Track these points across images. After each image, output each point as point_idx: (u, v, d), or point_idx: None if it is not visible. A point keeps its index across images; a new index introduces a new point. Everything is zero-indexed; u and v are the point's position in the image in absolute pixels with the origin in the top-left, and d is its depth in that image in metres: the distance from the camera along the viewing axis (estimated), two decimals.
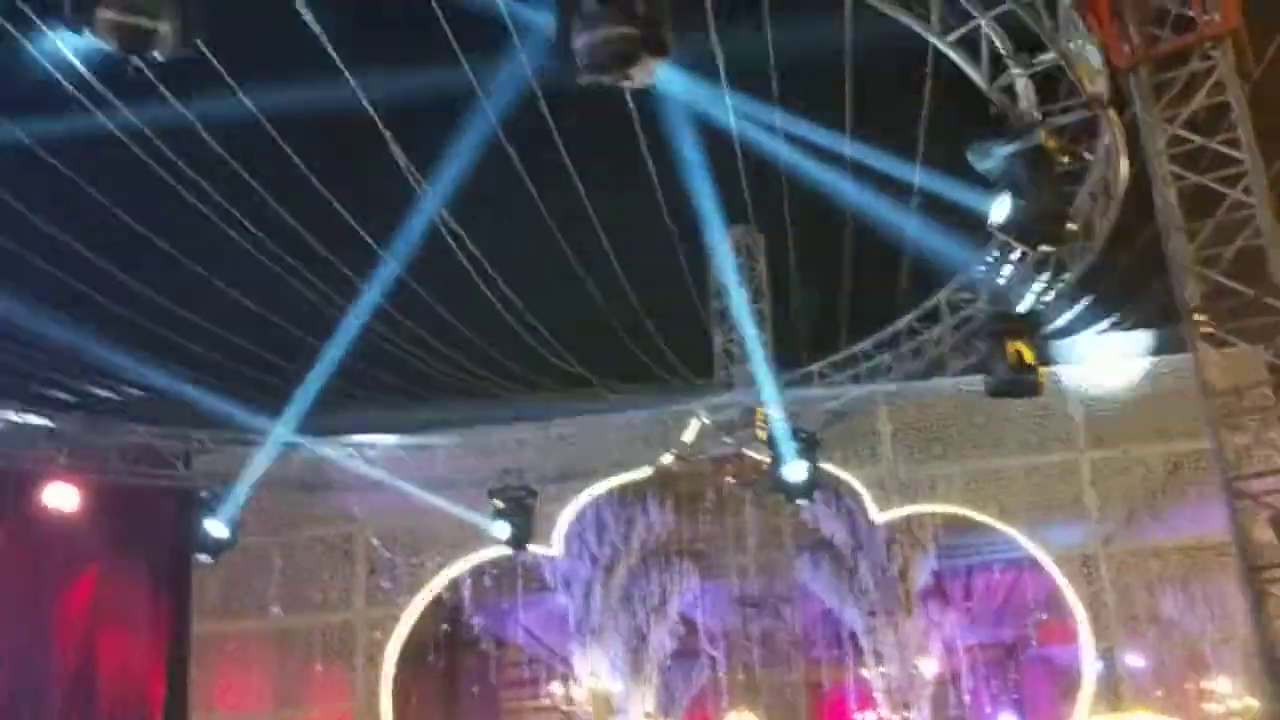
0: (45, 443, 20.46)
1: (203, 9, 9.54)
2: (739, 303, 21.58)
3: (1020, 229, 12.34)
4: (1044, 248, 14.05)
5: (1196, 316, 14.14)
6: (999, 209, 12.37)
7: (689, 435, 24.45)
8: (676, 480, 26.96)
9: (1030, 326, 16.29)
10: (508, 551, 25.94)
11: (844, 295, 20.45)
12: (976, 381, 21.92)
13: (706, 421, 23.81)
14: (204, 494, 21.75)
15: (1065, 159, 12.71)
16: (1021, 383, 16.03)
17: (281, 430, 21.52)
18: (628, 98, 14.62)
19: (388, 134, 14.98)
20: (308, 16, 12.54)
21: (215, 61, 12.93)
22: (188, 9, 9.38)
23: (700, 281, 22.58)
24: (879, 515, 25.98)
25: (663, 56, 9.56)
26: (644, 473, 25.41)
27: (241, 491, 21.98)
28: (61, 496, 21.59)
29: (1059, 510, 25.31)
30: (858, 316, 20.83)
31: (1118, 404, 25.40)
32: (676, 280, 21.08)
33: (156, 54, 9.35)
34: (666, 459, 24.78)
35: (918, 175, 16.62)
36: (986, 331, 16.17)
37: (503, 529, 22.98)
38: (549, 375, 23.70)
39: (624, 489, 27.17)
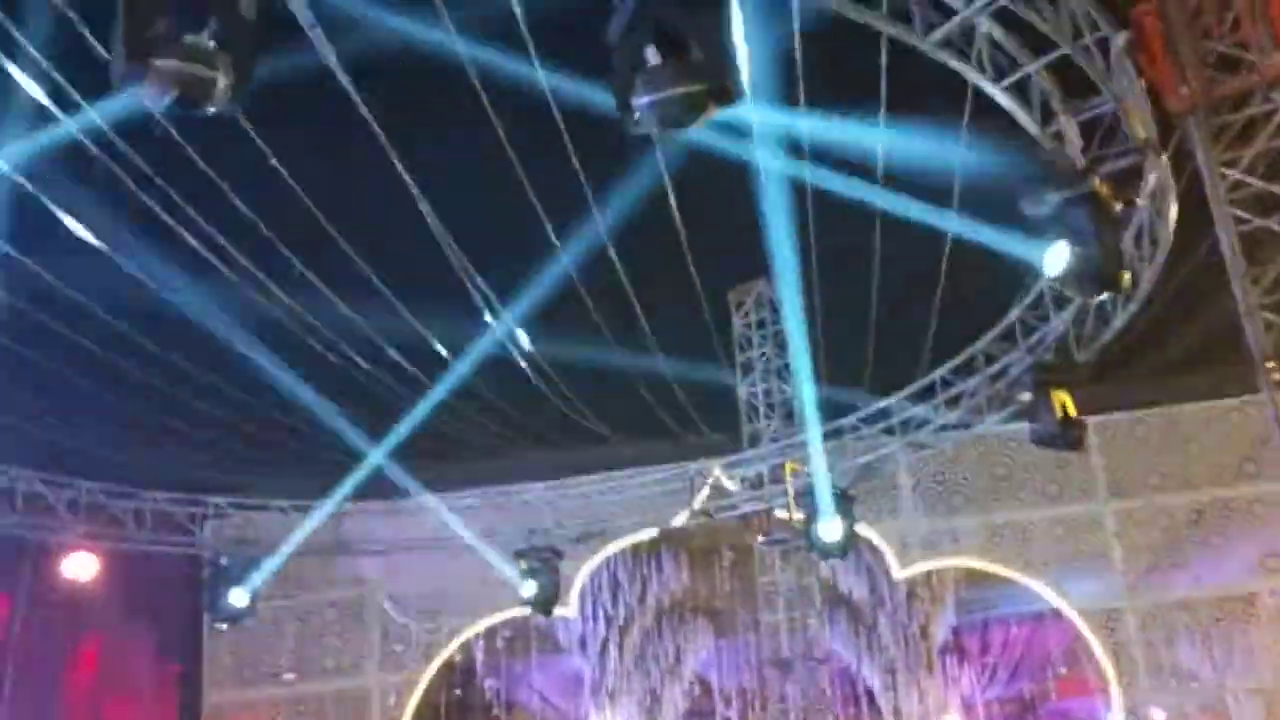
0: (64, 511, 19.94)
1: (253, 63, 9.25)
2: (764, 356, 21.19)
3: (1079, 278, 12.03)
4: (1097, 297, 13.77)
5: (1269, 364, 13.76)
6: (1055, 258, 12.07)
7: (699, 501, 24.00)
8: (691, 537, 26.56)
9: (1075, 376, 16.02)
10: (522, 613, 25.45)
11: (871, 348, 20.13)
12: (995, 432, 21.82)
13: (727, 482, 23.39)
14: (224, 561, 21.16)
15: (1119, 205, 12.40)
16: (1069, 436, 15.73)
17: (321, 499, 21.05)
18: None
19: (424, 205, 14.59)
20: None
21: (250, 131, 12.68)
22: (240, 63, 9.08)
23: (724, 335, 22.26)
24: (901, 571, 25.67)
25: (731, 103, 9.29)
26: (662, 530, 24.87)
27: (275, 560, 21.44)
28: (80, 566, 21.19)
29: (1083, 562, 25.03)
30: (888, 369, 20.52)
31: (1138, 453, 25.14)
32: (700, 333, 20.83)
33: (210, 107, 9.00)
34: (680, 520, 24.27)
35: (953, 223, 16.38)
36: (1031, 382, 15.85)
37: (530, 588, 22.45)
38: (566, 431, 23.38)
39: (637, 546, 26.83)
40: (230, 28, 8.93)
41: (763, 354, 23.60)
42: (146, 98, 9.00)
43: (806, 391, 19.10)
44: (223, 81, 8.72)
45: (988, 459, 25.46)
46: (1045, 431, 15.71)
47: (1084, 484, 25.42)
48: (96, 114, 12.86)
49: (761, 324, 23.43)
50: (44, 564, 21.26)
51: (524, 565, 22.33)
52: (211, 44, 8.83)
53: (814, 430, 18.68)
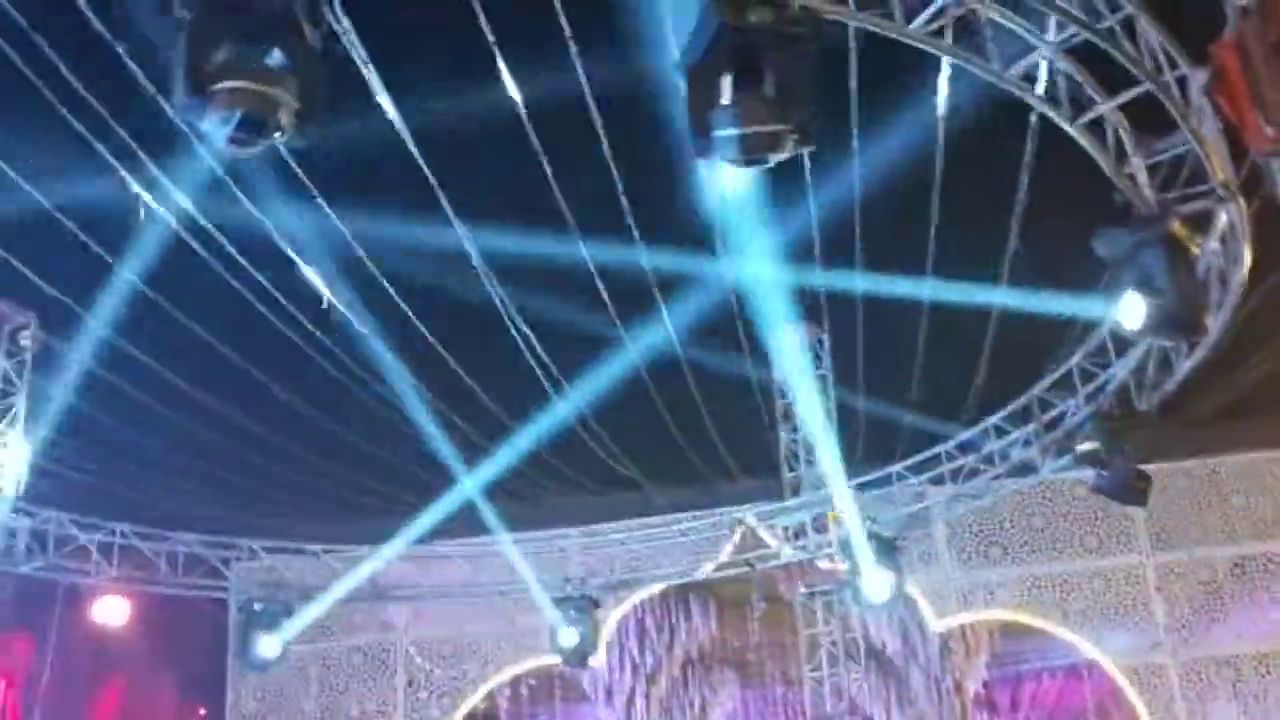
0: (97, 553, 19.58)
1: (321, 92, 8.93)
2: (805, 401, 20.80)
3: (1157, 325, 11.69)
4: (1168, 342, 13.42)
5: None
6: (1131, 309, 11.75)
7: (727, 550, 23.53)
8: (721, 586, 26.11)
9: (1140, 425, 15.65)
10: (547, 661, 25.15)
11: (916, 394, 19.82)
12: (1031, 482, 21.38)
13: (765, 533, 22.91)
14: (257, 606, 20.65)
15: (1196, 248, 12.07)
16: (1138, 488, 15.35)
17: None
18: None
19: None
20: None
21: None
22: (308, 90, 8.75)
23: (764, 380, 21.88)
24: (937, 624, 25.21)
25: (810, 146, 9.04)
26: (697, 577, 24.37)
27: (316, 608, 21.00)
28: (112, 610, 20.85)
29: (1123, 616, 24.56)
30: (932, 415, 20.16)
31: (1179, 505, 24.76)
32: (739, 378, 20.48)
33: (275, 136, 8.67)
34: (709, 569, 23.76)
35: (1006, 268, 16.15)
36: (1101, 430, 15.47)
37: (571, 637, 21.96)
38: (598, 477, 23.10)
39: (665, 594, 26.41)
40: (295, 55, 8.66)
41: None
42: (210, 126, 8.71)
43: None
44: (290, 103, 8.39)
45: (1025, 510, 25.11)
46: (1114, 482, 15.33)
47: (1123, 536, 25.01)
48: None
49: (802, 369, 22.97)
50: (74, 607, 20.96)
51: (562, 613, 21.89)
52: (277, 65, 8.61)
53: (834, 475, 18.31)
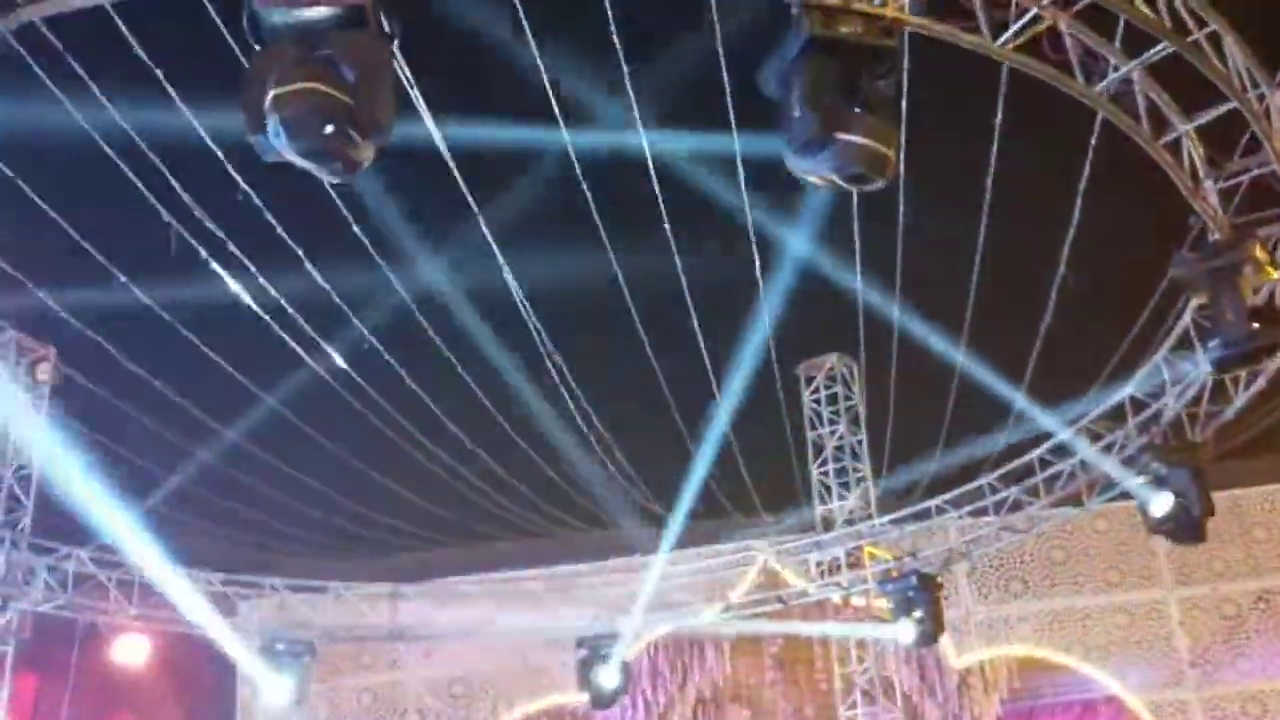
0: (116, 591, 19.06)
1: (387, 96, 8.55)
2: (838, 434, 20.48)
3: (1222, 361, 11.41)
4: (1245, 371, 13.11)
5: None
6: (1198, 364, 11.50)
7: (743, 588, 23.04)
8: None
9: (1200, 458, 15.33)
10: (561, 699, 24.87)
11: (946, 423, 19.46)
12: (1047, 515, 20.92)
13: (786, 572, 22.43)
14: (279, 646, 19.95)
15: (1276, 272, 11.77)
16: (1199, 524, 15.02)
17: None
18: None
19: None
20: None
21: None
22: (373, 95, 8.35)
23: (794, 412, 21.51)
24: (958, 660, 24.78)
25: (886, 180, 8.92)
26: (715, 614, 23.84)
27: (340, 645, 20.47)
28: (131, 650, 20.30)
29: (1145, 651, 24.19)
30: (980, 447, 19.78)
31: None
32: (769, 411, 20.11)
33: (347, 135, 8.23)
34: (710, 614, 23.22)
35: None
36: (1164, 463, 15.15)
37: (610, 677, 21.35)
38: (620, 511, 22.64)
39: (677, 632, 25.92)
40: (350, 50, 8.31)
41: (835, 431, 22.70)
42: (273, 138, 8.30)
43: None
44: (350, 102, 7.97)
45: (1045, 544, 24.76)
46: (1175, 517, 15.00)
47: (1145, 570, 24.68)
48: None
49: (833, 399, 22.57)
50: (90, 646, 20.41)
51: (585, 653, 21.36)
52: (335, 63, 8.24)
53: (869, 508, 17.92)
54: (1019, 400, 17.52)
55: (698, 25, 11.08)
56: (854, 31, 9.11)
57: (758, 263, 15.33)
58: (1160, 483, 15.43)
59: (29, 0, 9.35)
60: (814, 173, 9.04)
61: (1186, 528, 15.52)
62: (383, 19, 8.35)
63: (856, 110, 8.79)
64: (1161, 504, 15.33)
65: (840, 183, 8.95)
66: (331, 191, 11.92)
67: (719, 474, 20.96)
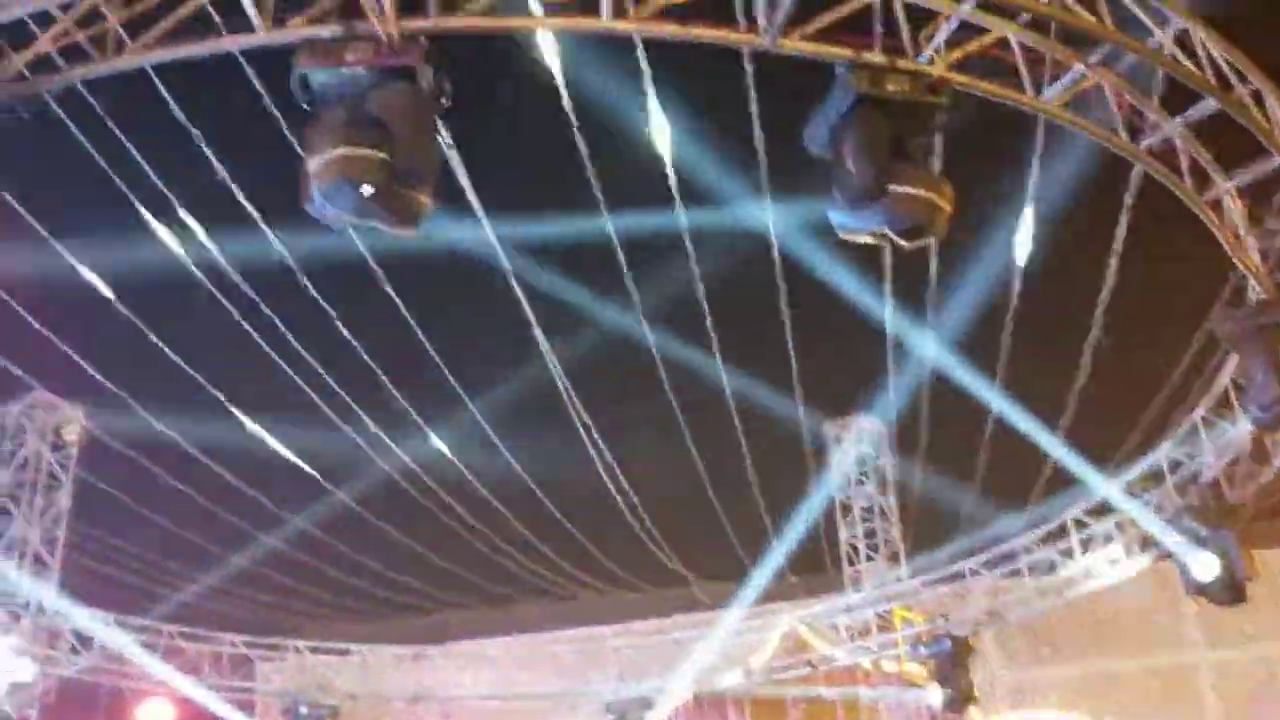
0: (141, 654, 18.84)
1: (433, 151, 8.63)
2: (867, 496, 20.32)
3: (1261, 407, 11.26)
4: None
5: None
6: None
7: (760, 657, 22.68)
8: (756, 687, 25.25)
9: (1239, 519, 15.13)
10: None
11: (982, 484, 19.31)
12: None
13: (810, 635, 22.07)
14: (303, 709, 19.70)
15: None
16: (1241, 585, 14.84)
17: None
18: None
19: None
20: None
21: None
22: (417, 154, 8.40)
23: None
24: None
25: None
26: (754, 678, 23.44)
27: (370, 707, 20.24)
28: (155, 715, 20.05)
29: (1177, 714, 23.79)
30: (1010, 509, 19.60)
31: None
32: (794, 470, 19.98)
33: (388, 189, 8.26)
34: (733, 679, 22.84)
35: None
36: (1202, 524, 14.96)
37: None
38: (643, 572, 22.49)
39: (698, 696, 25.52)
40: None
41: (863, 491, 22.39)
42: (322, 198, 8.29)
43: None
44: (386, 158, 7.99)
45: (1073, 606, 24.31)
46: (1223, 580, 14.80)
47: (1175, 632, 24.35)
48: None
49: (862, 460, 22.30)
50: (114, 710, 20.13)
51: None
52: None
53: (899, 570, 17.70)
54: (1056, 457, 17.36)
55: None
56: (901, 89, 9.12)
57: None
58: (1201, 543, 15.18)
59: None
60: (865, 229, 9.00)
61: (1228, 589, 15.27)
62: (431, 78, 8.40)
63: (907, 164, 8.82)
64: (1206, 566, 15.09)
65: (893, 237, 8.92)
66: None
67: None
